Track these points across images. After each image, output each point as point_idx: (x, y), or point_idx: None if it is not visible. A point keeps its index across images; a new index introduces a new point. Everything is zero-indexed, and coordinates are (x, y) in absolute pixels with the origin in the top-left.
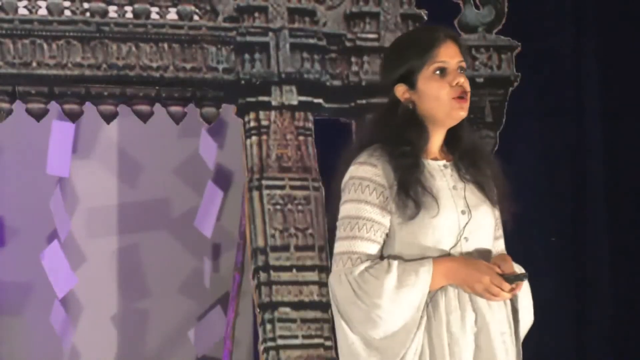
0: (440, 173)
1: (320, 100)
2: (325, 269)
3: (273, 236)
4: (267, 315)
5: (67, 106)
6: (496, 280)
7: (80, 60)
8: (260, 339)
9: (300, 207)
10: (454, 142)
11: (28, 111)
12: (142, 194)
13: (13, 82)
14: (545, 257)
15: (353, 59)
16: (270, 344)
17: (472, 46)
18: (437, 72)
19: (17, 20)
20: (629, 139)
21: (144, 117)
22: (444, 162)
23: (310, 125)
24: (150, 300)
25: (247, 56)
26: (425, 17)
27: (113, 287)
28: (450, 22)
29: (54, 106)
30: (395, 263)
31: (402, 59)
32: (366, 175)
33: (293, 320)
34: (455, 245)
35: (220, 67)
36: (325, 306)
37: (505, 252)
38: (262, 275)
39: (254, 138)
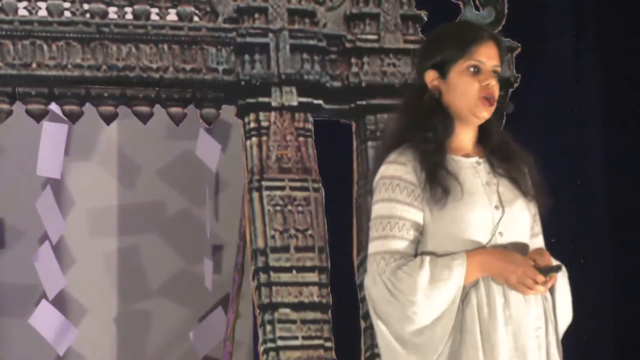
0: (472, 170)
1: (320, 102)
2: (325, 270)
3: (273, 237)
4: (267, 317)
5: (67, 107)
6: (530, 272)
7: (80, 61)
8: (260, 340)
9: (300, 208)
10: (485, 138)
11: (28, 112)
12: (142, 195)
13: (13, 83)
14: None
15: (353, 60)
16: (270, 345)
17: None
18: (472, 68)
19: (17, 21)
20: (629, 139)
21: (144, 118)
22: (476, 158)
23: (310, 126)
24: (150, 302)
25: (247, 57)
26: (425, 18)
27: (112, 289)
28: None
29: (51, 107)
30: (427, 259)
31: (440, 47)
32: (396, 174)
33: (293, 322)
34: (490, 240)
35: (220, 68)
36: (325, 307)
37: (544, 248)
38: (262, 277)
39: (253, 139)
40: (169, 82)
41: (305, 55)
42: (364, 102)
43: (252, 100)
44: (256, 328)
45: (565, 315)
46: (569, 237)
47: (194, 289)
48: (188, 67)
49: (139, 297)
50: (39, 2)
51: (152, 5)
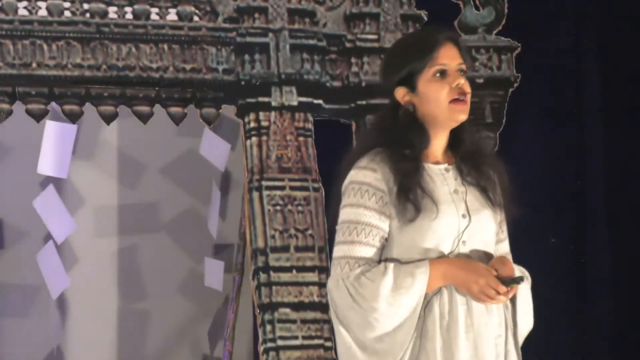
0: (441, 177)
1: (320, 101)
2: (325, 270)
3: (273, 237)
4: (267, 316)
5: (67, 107)
6: (492, 282)
7: (80, 61)
8: (260, 339)
9: (300, 208)
10: (456, 144)
11: (28, 112)
12: (142, 195)
13: (13, 82)
14: (545, 257)
15: (353, 60)
16: (270, 344)
17: (472, 47)
18: (438, 74)
19: (17, 21)
20: (629, 139)
21: (144, 118)
22: (445, 165)
23: (310, 126)
24: (150, 302)
25: (247, 57)
26: (425, 18)
27: (113, 288)
28: (450, 23)
29: (51, 106)
30: (391, 266)
31: (402, 62)
32: (366, 180)
33: (293, 321)
34: (453, 248)
35: (220, 68)
36: (325, 307)
37: (509, 254)
38: (262, 276)
39: (253, 139)
40: (169, 82)
41: (305, 55)
42: (364, 102)
43: (252, 100)
44: (256, 328)
45: (525, 323)
46: (569, 237)
47: (197, 289)
48: (188, 67)
49: (139, 297)
50: (39, 2)
51: (152, 5)
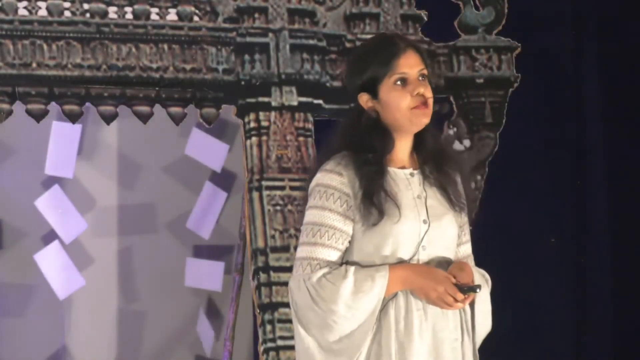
0: (405, 182)
1: (320, 101)
2: None
3: (273, 237)
4: (267, 316)
5: (67, 107)
6: (450, 289)
7: (80, 61)
8: (260, 339)
9: (300, 208)
10: (420, 147)
11: (28, 112)
12: (142, 195)
13: (13, 82)
14: (545, 257)
15: None
16: (270, 344)
17: (472, 47)
18: (398, 82)
19: (17, 21)
20: (629, 139)
21: (144, 118)
22: (410, 170)
23: (310, 126)
24: (150, 302)
25: (247, 57)
26: (425, 18)
27: (113, 288)
28: (450, 23)
29: (53, 107)
30: (352, 269)
31: (364, 69)
32: (332, 183)
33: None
34: (414, 253)
35: (220, 67)
36: None
37: (471, 256)
38: (262, 276)
39: (253, 139)
40: (169, 82)
41: (305, 55)
42: None
43: (252, 100)
44: (256, 328)
45: (484, 325)
46: (569, 237)
47: (194, 289)
48: (188, 67)
49: (139, 297)
50: (39, 2)
51: (152, 5)
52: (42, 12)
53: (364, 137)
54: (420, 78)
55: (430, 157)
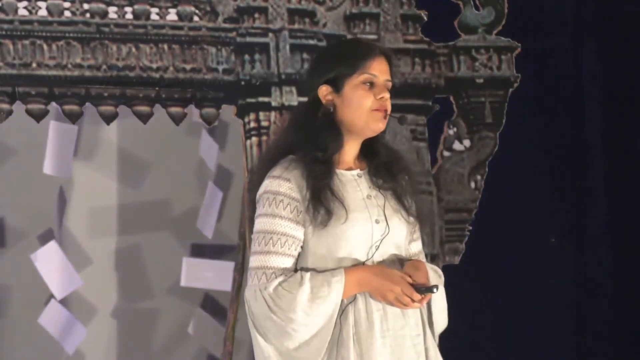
0: (353, 183)
1: None
2: None
3: None
4: None
5: (67, 107)
6: (407, 290)
7: (80, 61)
8: None
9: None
10: (370, 153)
11: (28, 112)
12: (142, 195)
13: (13, 83)
14: (545, 257)
15: None
16: None
17: (472, 47)
18: (366, 83)
19: (17, 21)
20: (628, 139)
21: (144, 118)
22: (357, 171)
23: None
24: (150, 301)
25: (247, 57)
26: (425, 18)
27: (113, 288)
28: (450, 23)
29: (51, 106)
30: (307, 275)
31: (333, 62)
32: (280, 190)
33: None
34: (368, 254)
35: (220, 68)
36: None
37: (422, 253)
38: None
39: (254, 139)
40: (169, 82)
41: (305, 55)
42: None
43: (252, 100)
44: None
45: (440, 322)
46: (569, 237)
47: (194, 289)
48: (188, 67)
49: (139, 296)
50: (39, 2)
51: (152, 5)
52: (42, 12)
53: (315, 134)
54: (386, 87)
55: (381, 163)
